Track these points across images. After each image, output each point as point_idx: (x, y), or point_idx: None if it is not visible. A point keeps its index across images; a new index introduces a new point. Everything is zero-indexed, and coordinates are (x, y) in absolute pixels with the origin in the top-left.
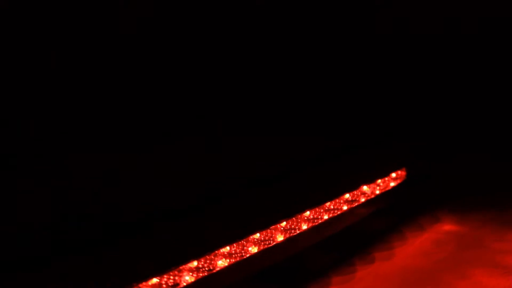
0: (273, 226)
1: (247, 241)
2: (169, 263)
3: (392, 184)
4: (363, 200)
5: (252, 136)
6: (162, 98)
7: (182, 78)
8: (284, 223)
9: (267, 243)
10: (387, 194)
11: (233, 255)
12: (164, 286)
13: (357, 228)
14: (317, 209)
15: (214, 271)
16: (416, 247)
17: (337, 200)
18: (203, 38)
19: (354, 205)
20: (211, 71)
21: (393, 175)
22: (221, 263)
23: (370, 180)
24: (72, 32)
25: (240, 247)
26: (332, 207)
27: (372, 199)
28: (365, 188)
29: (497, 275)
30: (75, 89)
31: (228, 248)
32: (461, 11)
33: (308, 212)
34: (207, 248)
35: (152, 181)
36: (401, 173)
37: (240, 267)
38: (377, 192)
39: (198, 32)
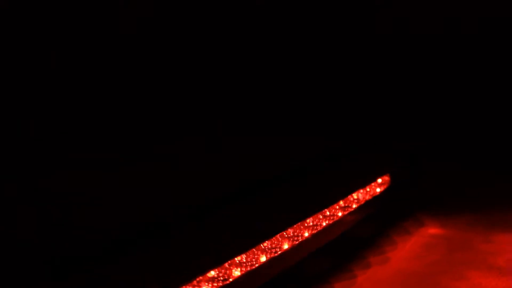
0: (280, 234)
1: (257, 249)
2: (188, 273)
3: (378, 190)
4: (354, 206)
5: (249, 139)
6: (161, 98)
7: (178, 80)
8: (289, 231)
9: (273, 251)
10: (374, 200)
11: (244, 264)
12: None
13: (348, 234)
14: (315, 216)
15: (228, 281)
16: (407, 251)
17: (334, 206)
18: (203, 38)
19: (348, 211)
20: (209, 71)
21: (379, 180)
22: (236, 272)
23: (360, 186)
24: (72, 32)
25: (251, 255)
26: (328, 213)
27: (362, 205)
28: (356, 194)
29: (493, 276)
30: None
31: (240, 257)
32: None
33: (309, 220)
34: (223, 257)
35: (154, 188)
36: (386, 178)
37: (252, 275)
38: (367, 197)
39: (198, 32)
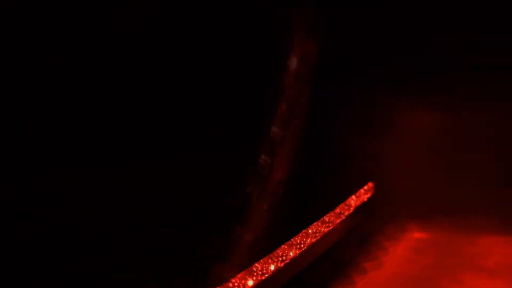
0: (288, 242)
1: (269, 258)
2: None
3: (366, 197)
4: (346, 213)
5: None
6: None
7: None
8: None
9: (281, 259)
10: (363, 206)
11: (254, 273)
12: None
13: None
14: (316, 224)
15: None
16: (399, 255)
17: (332, 213)
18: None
19: (342, 219)
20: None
21: (366, 187)
22: (249, 282)
23: (352, 193)
24: (72, 32)
25: (261, 264)
26: (326, 220)
27: (354, 211)
28: (349, 201)
29: (486, 278)
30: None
31: (257, 266)
32: None
33: (310, 229)
34: (238, 267)
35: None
36: (371, 185)
37: (264, 284)
38: (357, 204)
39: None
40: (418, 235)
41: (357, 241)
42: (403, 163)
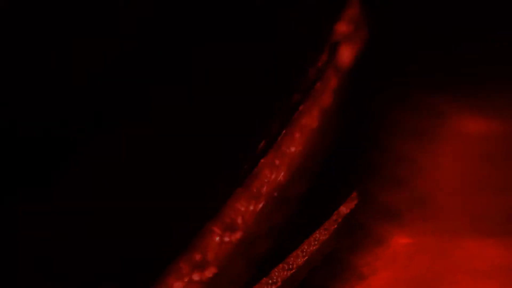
0: (294, 253)
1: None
2: None
3: (353, 203)
4: (339, 220)
5: None
6: None
7: None
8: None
9: (288, 267)
10: (351, 213)
11: (264, 283)
12: None
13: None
14: (318, 231)
15: None
16: (391, 260)
17: (330, 220)
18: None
19: (336, 226)
20: None
21: (352, 196)
22: None
23: (343, 200)
24: (72, 32)
25: (272, 273)
26: (325, 227)
27: (344, 219)
28: (341, 209)
29: (484, 279)
30: None
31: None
32: None
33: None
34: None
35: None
36: (355, 193)
37: None
38: (348, 211)
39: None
40: (403, 240)
41: (349, 246)
42: (437, 171)
